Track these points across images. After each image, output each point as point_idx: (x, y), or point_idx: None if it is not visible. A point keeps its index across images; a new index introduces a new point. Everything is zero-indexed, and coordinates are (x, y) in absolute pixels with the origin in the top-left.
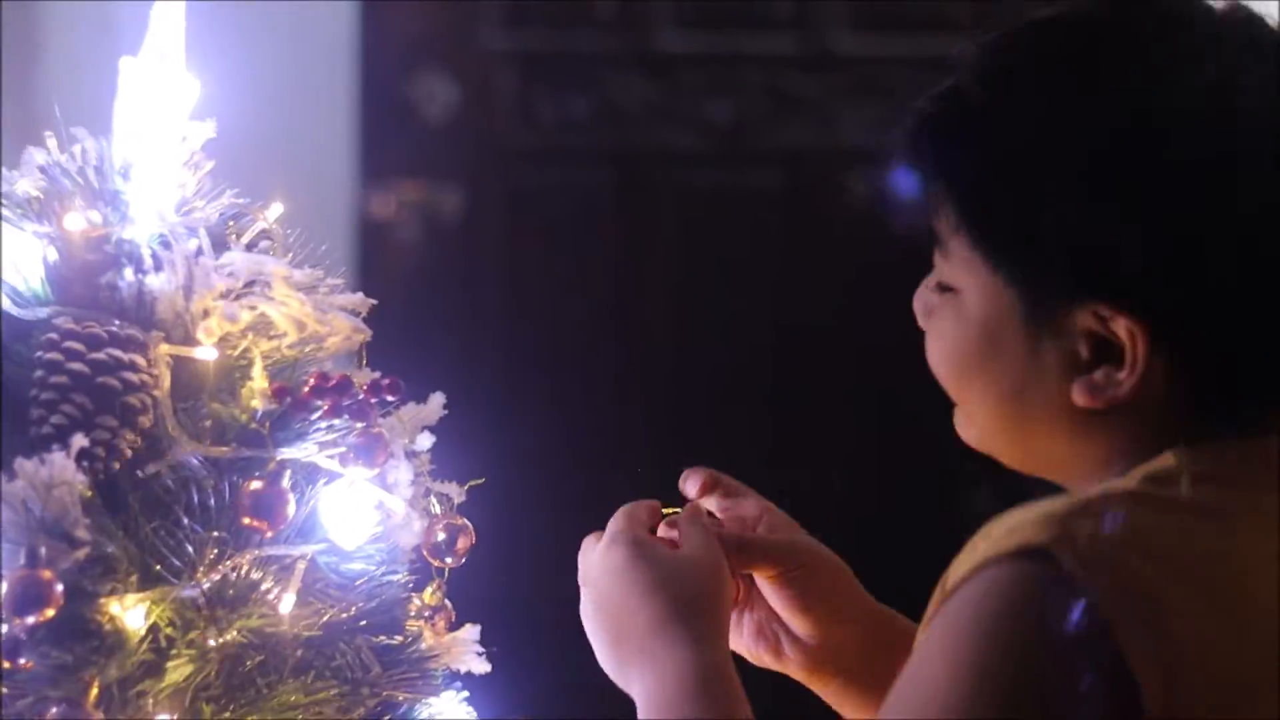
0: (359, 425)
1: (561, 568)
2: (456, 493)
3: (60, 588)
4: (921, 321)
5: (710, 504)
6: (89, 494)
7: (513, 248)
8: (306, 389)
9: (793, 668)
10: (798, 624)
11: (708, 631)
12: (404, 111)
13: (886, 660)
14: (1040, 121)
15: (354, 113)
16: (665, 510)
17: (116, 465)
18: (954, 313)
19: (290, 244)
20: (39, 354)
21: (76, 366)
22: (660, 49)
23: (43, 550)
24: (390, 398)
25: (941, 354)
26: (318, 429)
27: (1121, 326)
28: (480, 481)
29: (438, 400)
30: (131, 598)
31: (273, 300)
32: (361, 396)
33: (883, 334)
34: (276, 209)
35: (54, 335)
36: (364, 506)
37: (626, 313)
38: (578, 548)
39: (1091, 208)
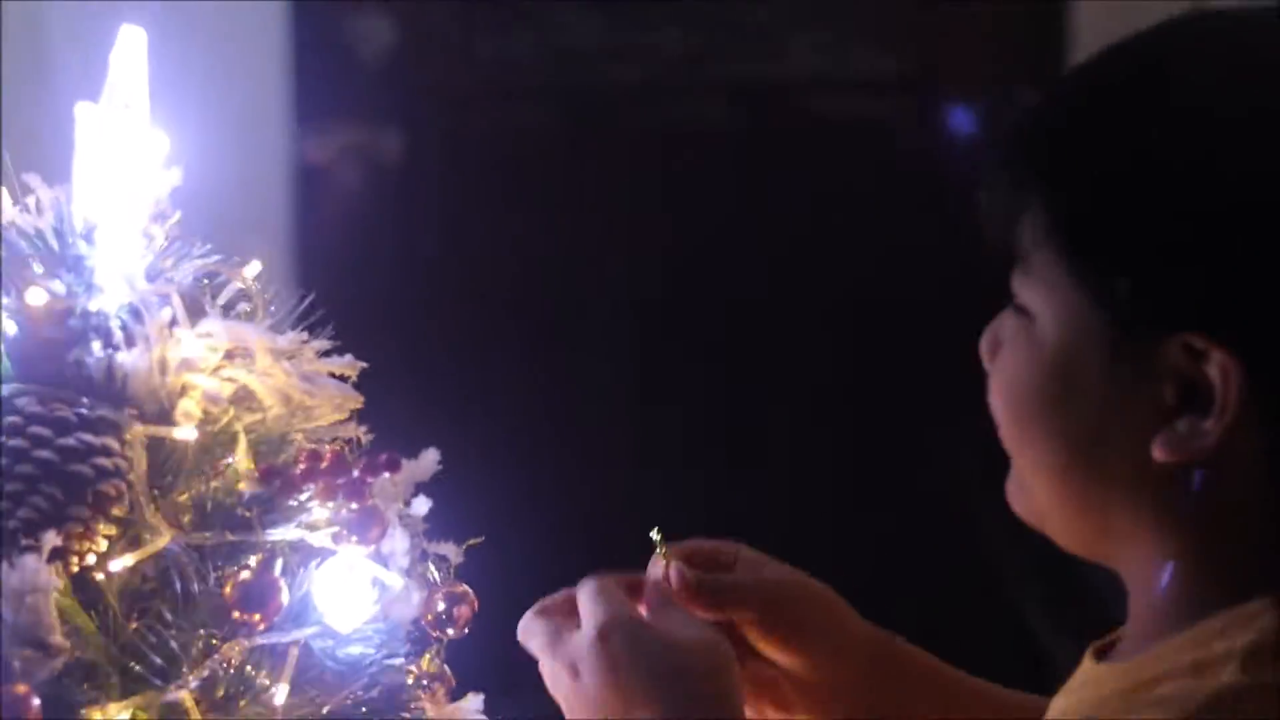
0: (354, 505)
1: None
2: (454, 554)
3: (37, 701)
4: (987, 360)
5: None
6: (66, 597)
7: (454, 193)
8: (298, 471)
9: (801, 715)
10: (793, 665)
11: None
12: (339, 54)
13: (896, 689)
14: (1159, 136)
15: (288, 56)
16: (657, 539)
17: (92, 560)
18: (1026, 341)
19: (269, 300)
20: (1, 439)
21: (44, 454)
22: None
23: (16, 663)
24: (389, 474)
25: (1006, 387)
26: (308, 508)
27: (1215, 364)
28: (478, 541)
29: (431, 456)
30: (114, 706)
31: (255, 372)
32: (357, 475)
33: (846, 262)
34: (254, 267)
35: (17, 419)
36: (359, 584)
37: (579, 263)
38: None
39: (1204, 229)
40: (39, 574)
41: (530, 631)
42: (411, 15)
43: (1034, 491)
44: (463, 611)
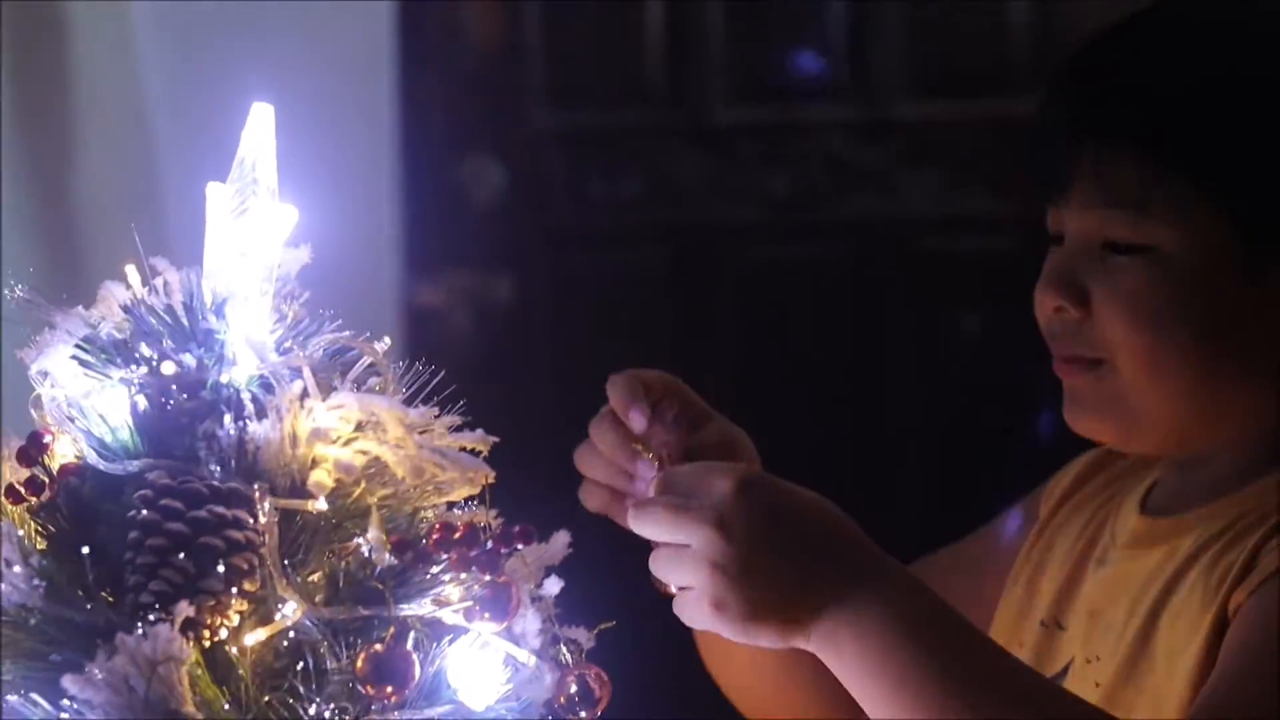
0: (487, 577)
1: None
2: (586, 638)
3: None
4: (1070, 303)
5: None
6: (199, 668)
7: (567, 331)
8: (431, 542)
9: None
10: None
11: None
12: (450, 197)
13: None
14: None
15: (397, 200)
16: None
17: (224, 632)
18: (1149, 271)
19: (399, 377)
20: (133, 513)
21: (175, 526)
22: (713, 122)
23: None
24: (522, 546)
25: (1137, 315)
26: (441, 582)
27: None
28: (610, 624)
29: (562, 539)
30: None
31: (388, 445)
32: (490, 546)
33: (953, 400)
34: (385, 343)
35: (148, 492)
36: (491, 662)
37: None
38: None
39: None
40: (172, 644)
41: (648, 514)
42: (521, 156)
43: (1144, 401)
44: (599, 694)
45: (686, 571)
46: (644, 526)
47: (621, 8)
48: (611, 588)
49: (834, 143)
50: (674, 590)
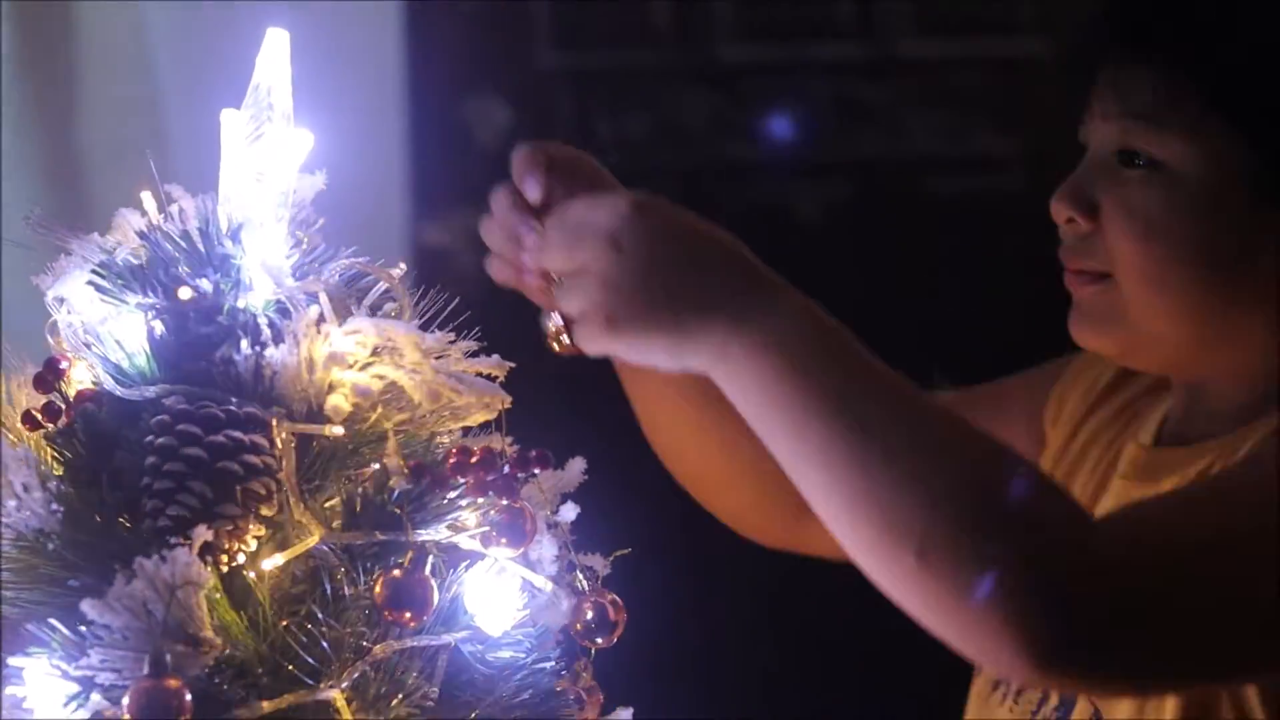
0: (504, 502)
1: (712, 636)
2: (601, 565)
3: (189, 697)
4: (1079, 214)
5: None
6: (216, 592)
7: None
8: (448, 466)
9: None
10: None
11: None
12: (457, 137)
13: None
14: None
15: (405, 141)
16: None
17: (241, 557)
18: (1160, 186)
19: (416, 304)
20: (150, 439)
21: (193, 451)
22: (721, 61)
23: (168, 657)
24: (539, 471)
25: (1141, 228)
26: (458, 507)
27: None
28: (626, 551)
29: (578, 466)
30: (266, 704)
31: (404, 369)
32: (507, 471)
33: (960, 340)
34: (401, 269)
35: (166, 417)
36: (508, 588)
37: None
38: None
39: None
40: (190, 568)
41: (543, 245)
42: (528, 95)
43: (1145, 318)
44: (615, 620)
45: (583, 293)
46: (541, 258)
47: None
48: (627, 514)
49: (841, 82)
50: (566, 341)
